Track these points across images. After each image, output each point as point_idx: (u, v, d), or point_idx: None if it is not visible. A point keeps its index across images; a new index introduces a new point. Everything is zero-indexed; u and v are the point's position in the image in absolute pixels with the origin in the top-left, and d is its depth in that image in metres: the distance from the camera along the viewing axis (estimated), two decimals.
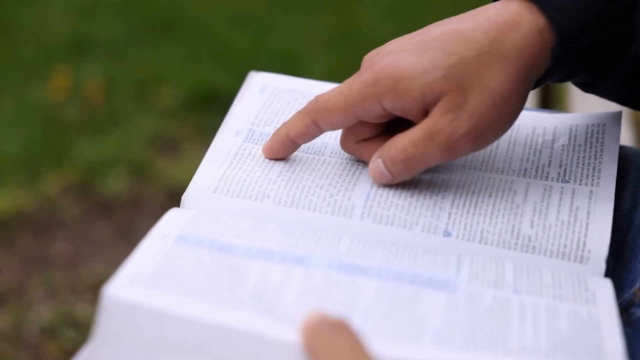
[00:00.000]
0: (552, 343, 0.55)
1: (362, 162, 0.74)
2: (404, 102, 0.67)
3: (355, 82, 0.68)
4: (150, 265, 0.58)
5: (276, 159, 0.73)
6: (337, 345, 0.51)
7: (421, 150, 0.67)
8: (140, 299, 0.55)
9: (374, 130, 0.72)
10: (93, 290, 1.94)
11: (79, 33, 3.07)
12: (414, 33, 0.70)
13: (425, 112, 0.67)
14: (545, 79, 0.71)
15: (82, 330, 1.81)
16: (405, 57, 0.67)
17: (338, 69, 2.79)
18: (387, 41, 0.70)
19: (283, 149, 0.73)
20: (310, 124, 0.71)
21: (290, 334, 0.53)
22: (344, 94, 0.69)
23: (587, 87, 0.74)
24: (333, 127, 0.71)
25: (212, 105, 2.64)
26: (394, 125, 0.71)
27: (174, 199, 2.24)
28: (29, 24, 3.13)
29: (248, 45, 3.02)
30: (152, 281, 0.56)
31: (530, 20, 0.67)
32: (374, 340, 0.54)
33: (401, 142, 0.68)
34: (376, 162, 0.69)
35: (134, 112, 2.62)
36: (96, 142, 2.46)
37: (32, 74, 2.78)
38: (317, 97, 0.71)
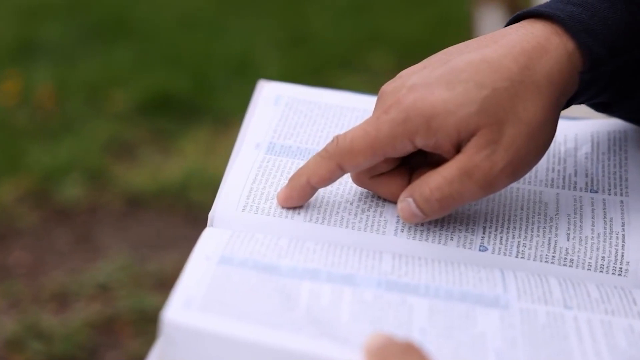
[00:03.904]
0: None
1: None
2: (437, 139, 0.64)
3: (383, 120, 0.65)
4: (201, 289, 0.57)
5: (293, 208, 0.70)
6: None
7: (457, 188, 0.64)
8: (199, 323, 0.54)
9: (391, 165, 0.69)
10: (56, 300, 1.91)
11: (25, 36, 3.02)
12: (433, 62, 0.67)
13: (457, 147, 0.65)
14: (570, 103, 0.69)
15: (48, 341, 1.78)
16: (435, 92, 0.64)
17: (292, 70, 2.78)
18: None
19: (303, 197, 0.69)
20: (334, 169, 0.67)
21: (353, 356, 0.52)
22: (371, 134, 0.65)
23: (602, 108, 0.72)
24: (359, 169, 0.68)
25: (166, 109, 2.62)
26: (409, 156, 0.69)
27: (133, 205, 2.22)
28: None
29: (199, 48, 3.00)
30: (207, 305, 0.55)
31: (559, 45, 0.65)
32: None
33: (435, 180, 0.64)
34: (406, 202, 0.66)
35: (87, 117, 2.59)
36: (50, 148, 2.42)
37: None
38: (338, 138, 0.67)
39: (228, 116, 2.59)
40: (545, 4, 0.68)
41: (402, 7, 3.31)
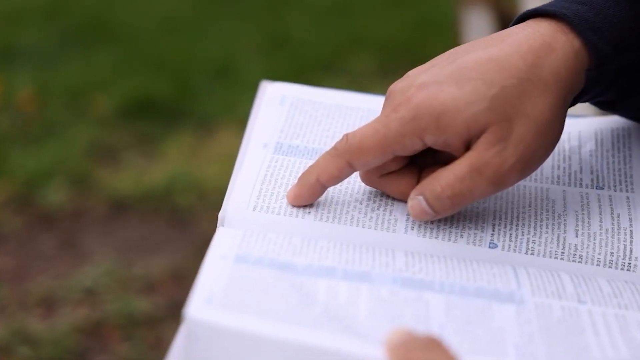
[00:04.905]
0: (635, 355, 0.55)
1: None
2: (446, 137, 0.65)
3: (392, 118, 0.65)
4: (220, 287, 0.57)
5: (303, 206, 0.70)
6: None
7: (468, 185, 0.64)
8: (221, 320, 0.54)
9: (400, 164, 0.69)
10: (43, 305, 1.90)
11: (5, 41, 3.01)
12: (440, 61, 0.68)
13: (467, 145, 0.65)
14: (576, 101, 0.70)
15: (36, 346, 1.77)
16: (444, 90, 0.65)
17: (273, 73, 2.77)
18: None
19: (313, 195, 0.69)
20: (344, 167, 0.67)
21: (376, 352, 0.52)
22: (380, 132, 0.66)
23: (606, 106, 0.73)
24: (369, 167, 0.68)
25: (149, 112, 2.62)
26: (417, 155, 0.69)
27: (117, 209, 2.21)
28: None
29: (181, 51, 2.99)
30: (227, 303, 0.56)
31: (565, 43, 0.66)
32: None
33: (446, 178, 0.65)
34: (416, 199, 0.66)
35: (69, 121, 2.58)
36: (32, 153, 2.41)
37: None
38: (347, 136, 0.67)
39: (211, 119, 2.59)
40: (550, 3, 0.69)
41: (383, 10, 3.32)
